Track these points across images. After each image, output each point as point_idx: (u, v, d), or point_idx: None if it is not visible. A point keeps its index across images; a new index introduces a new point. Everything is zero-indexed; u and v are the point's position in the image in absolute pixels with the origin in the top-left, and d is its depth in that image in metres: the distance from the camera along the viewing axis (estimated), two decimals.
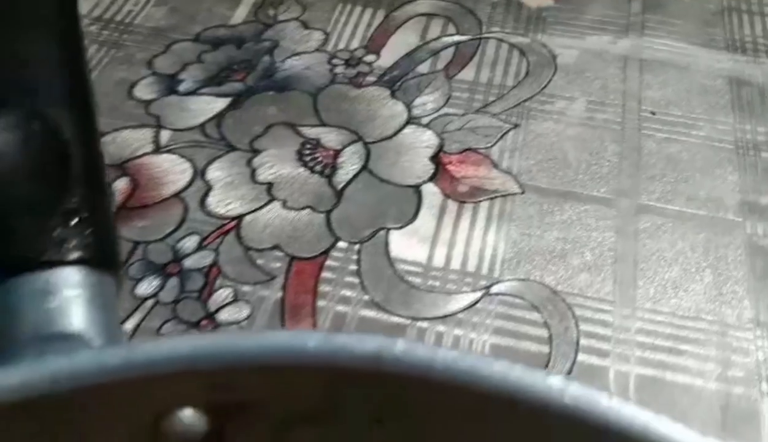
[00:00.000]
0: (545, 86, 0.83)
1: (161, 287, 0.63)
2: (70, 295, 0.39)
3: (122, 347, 0.44)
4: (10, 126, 0.41)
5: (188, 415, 0.38)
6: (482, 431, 0.38)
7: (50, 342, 0.37)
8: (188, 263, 0.65)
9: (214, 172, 0.73)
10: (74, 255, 0.40)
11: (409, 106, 0.80)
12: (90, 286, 0.40)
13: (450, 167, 0.74)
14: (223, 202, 0.70)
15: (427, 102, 0.81)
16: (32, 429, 0.36)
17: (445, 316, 0.62)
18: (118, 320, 0.40)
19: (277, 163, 0.74)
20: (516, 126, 0.79)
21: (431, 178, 0.73)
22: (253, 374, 0.37)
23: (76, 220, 0.41)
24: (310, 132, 0.76)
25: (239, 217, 0.69)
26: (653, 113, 0.81)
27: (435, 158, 0.75)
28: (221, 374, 0.37)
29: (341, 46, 0.86)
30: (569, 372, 0.58)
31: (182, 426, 0.38)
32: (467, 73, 0.84)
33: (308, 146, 0.75)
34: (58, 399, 0.35)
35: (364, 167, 0.74)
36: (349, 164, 0.74)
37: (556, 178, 0.74)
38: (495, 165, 0.75)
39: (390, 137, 0.77)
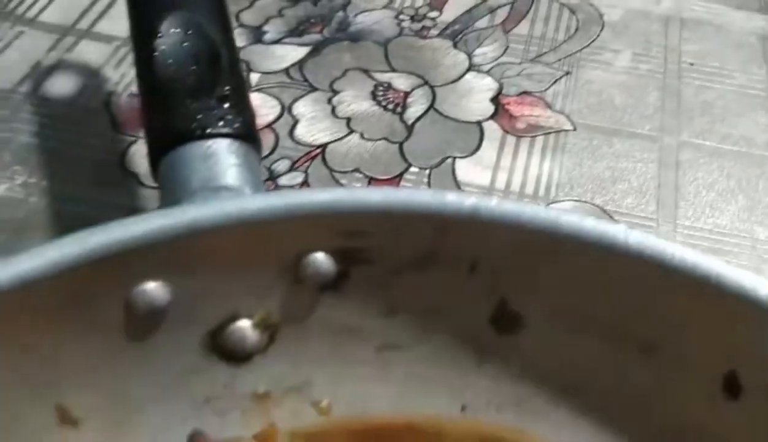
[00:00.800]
0: (593, 40, 0.92)
1: None
2: (226, 158, 0.49)
3: (271, 194, 0.54)
4: (175, 32, 0.52)
5: (321, 257, 0.48)
6: (557, 271, 0.48)
7: (215, 192, 0.47)
8: (282, 181, 0.75)
9: (299, 109, 0.82)
10: (228, 129, 0.50)
11: (470, 56, 0.89)
12: (240, 153, 0.50)
13: (508, 107, 0.83)
14: (309, 133, 0.80)
15: (486, 52, 0.89)
16: (225, 246, 0.46)
17: None
18: (262, 180, 0.50)
19: (354, 102, 0.83)
20: (567, 73, 0.88)
21: (491, 117, 0.82)
22: (376, 222, 0.47)
23: (227, 104, 0.51)
24: (382, 77, 0.86)
25: (323, 146, 0.78)
26: (692, 64, 0.89)
27: (495, 100, 0.84)
28: (350, 221, 0.48)
29: (407, 4, 0.95)
30: None
31: (317, 267, 0.48)
32: (522, 28, 0.92)
33: (380, 88, 0.85)
34: (226, 232, 0.45)
35: (431, 106, 0.83)
36: (418, 104, 0.83)
37: (604, 118, 0.83)
38: (549, 106, 0.84)
39: (453, 82, 0.86)
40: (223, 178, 0.48)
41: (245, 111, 0.51)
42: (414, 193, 0.47)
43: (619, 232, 0.46)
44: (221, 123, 0.49)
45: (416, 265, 0.50)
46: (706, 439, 0.50)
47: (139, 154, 0.77)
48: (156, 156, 0.51)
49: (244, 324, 0.52)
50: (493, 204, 0.47)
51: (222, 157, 0.49)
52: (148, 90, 0.53)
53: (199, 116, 0.49)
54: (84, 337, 0.48)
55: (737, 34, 0.94)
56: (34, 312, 0.45)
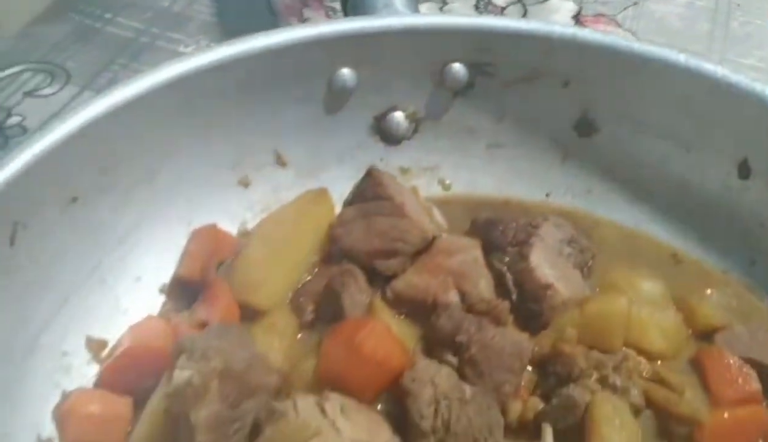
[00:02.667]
0: None
1: None
2: None
3: (427, 15, 0.77)
4: None
5: (458, 67, 0.71)
6: (631, 87, 0.69)
7: (390, 8, 0.69)
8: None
9: None
10: None
11: None
12: None
13: (586, 23, 1.04)
14: None
15: None
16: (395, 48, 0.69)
17: None
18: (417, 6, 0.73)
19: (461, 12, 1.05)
20: (635, 3, 1.08)
21: None
22: (501, 42, 0.69)
23: None
24: None
25: None
26: (738, 5, 1.09)
27: (575, 17, 1.05)
28: (483, 39, 0.70)
29: None
30: None
31: (454, 74, 0.71)
32: None
33: (481, 3, 1.06)
34: (396, 37, 0.68)
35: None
36: (512, 16, 1.04)
37: (663, 37, 1.03)
38: (619, 25, 1.05)
39: (543, 2, 1.07)
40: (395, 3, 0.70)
41: None
42: (529, 23, 0.69)
43: (681, 57, 0.67)
44: None
45: (524, 79, 0.72)
46: (718, 213, 0.70)
47: None
48: None
49: (400, 115, 0.74)
50: (587, 32, 0.69)
51: None
52: None
53: None
54: (298, 105, 0.71)
55: None
56: (255, 83, 0.67)
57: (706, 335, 0.66)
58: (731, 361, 0.63)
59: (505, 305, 0.64)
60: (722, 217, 0.71)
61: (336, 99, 0.71)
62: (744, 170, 0.69)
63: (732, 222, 0.71)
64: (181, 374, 0.55)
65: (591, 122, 0.73)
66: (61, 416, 0.57)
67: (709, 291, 0.69)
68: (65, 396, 0.58)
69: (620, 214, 0.74)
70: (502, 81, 0.73)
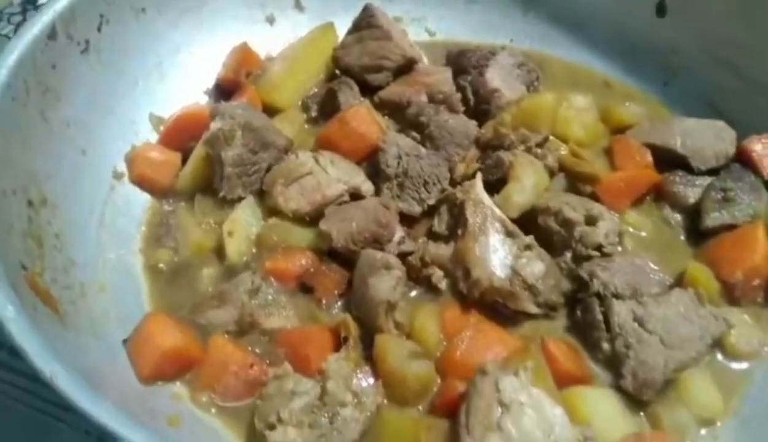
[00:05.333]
0: None
1: None
2: None
3: None
4: None
5: None
6: None
7: None
8: None
9: None
10: None
11: None
12: None
13: None
14: None
15: None
16: None
17: None
18: None
19: None
20: None
21: None
22: None
23: None
24: None
25: None
26: None
27: None
28: None
29: None
30: None
31: None
32: None
33: None
34: None
35: None
36: None
37: None
38: None
39: None
40: None
41: None
42: None
43: None
44: None
45: None
46: (641, 46, 0.89)
47: None
48: None
49: None
50: None
51: None
52: None
53: None
54: None
55: None
56: None
57: (620, 131, 0.85)
58: (633, 143, 0.81)
59: (457, 96, 0.84)
60: (644, 50, 0.90)
61: None
62: (661, 10, 0.87)
63: (651, 53, 0.90)
64: (215, 125, 0.77)
65: None
66: (130, 159, 0.80)
67: (627, 104, 0.88)
68: (134, 148, 0.81)
69: (566, 52, 0.95)
70: None
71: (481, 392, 0.60)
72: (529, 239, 0.74)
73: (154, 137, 0.85)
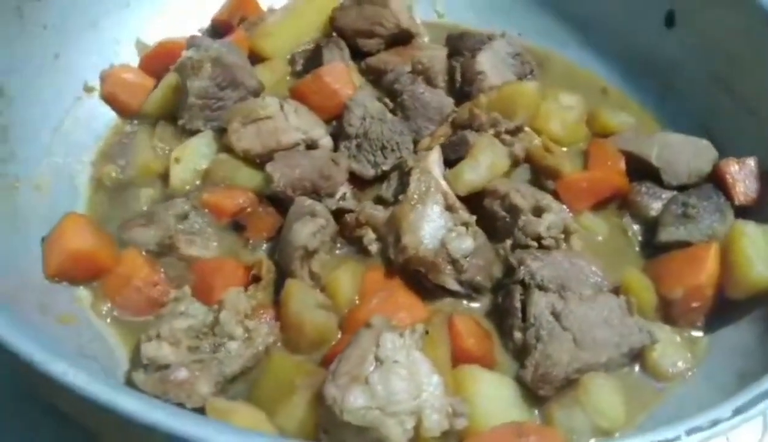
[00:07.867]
0: None
1: None
2: None
3: None
4: None
5: None
6: None
7: None
8: None
9: None
10: None
11: None
12: None
13: None
14: None
15: None
16: None
17: None
18: None
19: None
20: None
21: None
22: None
23: None
24: None
25: None
26: None
27: None
28: None
29: None
30: None
31: None
32: None
33: None
34: None
35: None
36: None
37: None
38: None
39: None
40: None
41: None
42: None
43: None
44: None
45: None
46: (644, 56, 0.85)
47: None
48: None
49: None
50: None
51: None
52: None
53: None
54: None
55: None
56: None
57: (603, 136, 0.81)
58: (609, 147, 0.77)
59: (438, 69, 0.82)
60: (647, 61, 0.86)
61: None
62: (671, 20, 0.83)
63: (653, 66, 0.86)
64: (186, 54, 0.77)
65: None
66: (105, 75, 0.82)
67: (618, 112, 0.84)
68: (112, 67, 0.82)
69: (569, 52, 0.91)
70: None
71: (359, 343, 0.57)
72: (469, 217, 0.72)
73: (135, 62, 0.87)
